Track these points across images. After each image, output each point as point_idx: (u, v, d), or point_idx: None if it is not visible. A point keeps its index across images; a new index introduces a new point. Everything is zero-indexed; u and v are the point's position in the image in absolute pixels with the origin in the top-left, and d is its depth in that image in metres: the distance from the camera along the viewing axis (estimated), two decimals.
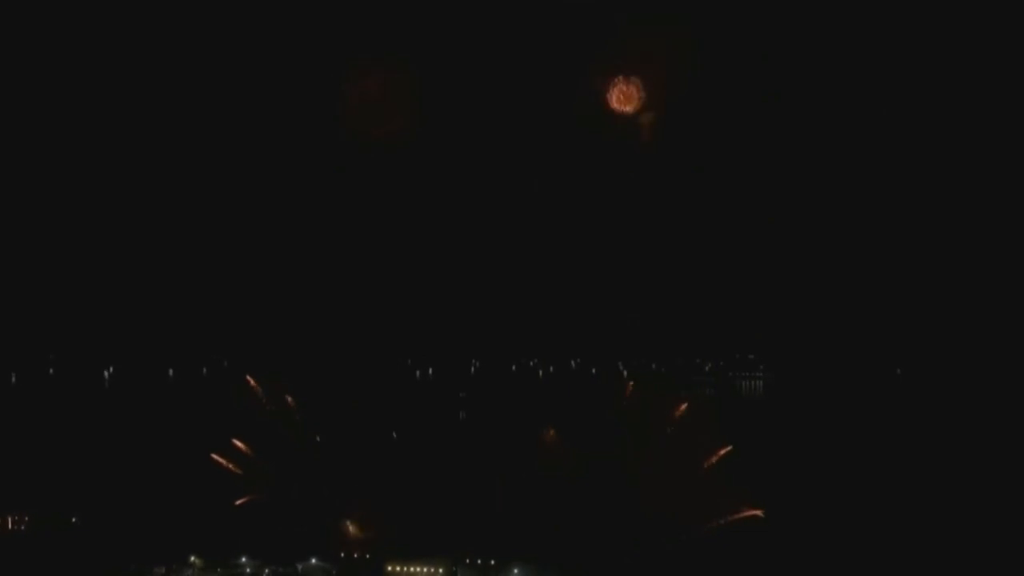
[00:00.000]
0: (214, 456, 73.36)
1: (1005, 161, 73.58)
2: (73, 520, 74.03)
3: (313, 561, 71.38)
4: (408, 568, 67.61)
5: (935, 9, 71.45)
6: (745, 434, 78.74)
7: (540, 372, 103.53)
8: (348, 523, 70.10)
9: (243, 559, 71.54)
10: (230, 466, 73.44)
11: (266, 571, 71.10)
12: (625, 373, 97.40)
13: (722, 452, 65.61)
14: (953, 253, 76.15)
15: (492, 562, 67.63)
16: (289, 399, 75.52)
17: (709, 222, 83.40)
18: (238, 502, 71.89)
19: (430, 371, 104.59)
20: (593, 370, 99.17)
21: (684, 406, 75.10)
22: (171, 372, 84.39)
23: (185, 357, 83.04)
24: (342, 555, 69.16)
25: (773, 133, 77.30)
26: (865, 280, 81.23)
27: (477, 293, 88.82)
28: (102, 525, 72.01)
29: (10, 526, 73.29)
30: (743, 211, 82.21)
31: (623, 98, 69.14)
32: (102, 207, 78.70)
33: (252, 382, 76.53)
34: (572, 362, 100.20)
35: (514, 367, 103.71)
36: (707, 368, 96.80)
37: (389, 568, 67.73)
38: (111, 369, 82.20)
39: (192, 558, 71.58)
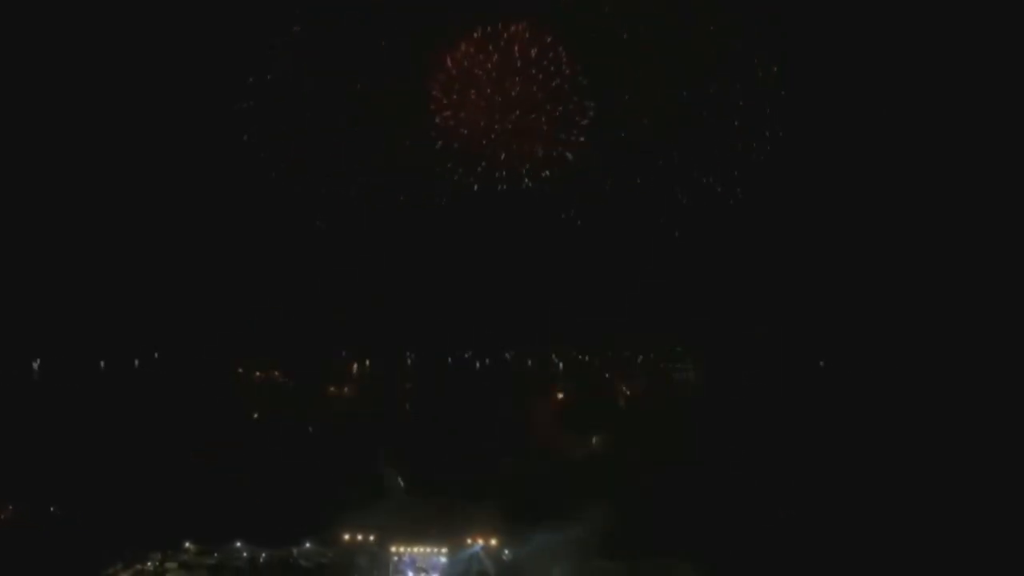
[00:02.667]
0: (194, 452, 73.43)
1: (927, 150, 79.46)
2: (52, 510, 72.86)
3: (308, 545, 72.66)
4: (412, 549, 69.86)
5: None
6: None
7: (477, 364, 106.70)
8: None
9: (238, 544, 72.21)
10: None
11: (262, 556, 72.04)
12: (560, 365, 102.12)
13: None
14: (878, 247, 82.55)
15: (493, 542, 70.93)
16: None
17: (640, 213, 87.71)
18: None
19: (368, 363, 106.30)
20: (529, 362, 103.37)
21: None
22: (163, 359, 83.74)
23: (171, 346, 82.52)
24: (345, 537, 70.74)
25: (700, 122, 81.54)
26: (795, 275, 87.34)
27: (411, 286, 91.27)
28: (89, 514, 71.20)
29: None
30: (672, 202, 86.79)
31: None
32: (104, 207, 77.13)
33: (239, 368, 76.97)
34: (506, 354, 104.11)
35: (450, 360, 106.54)
36: (639, 360, 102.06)
37: (393, 549, 69.71)
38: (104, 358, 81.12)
39: (186, 544, 71.75)
